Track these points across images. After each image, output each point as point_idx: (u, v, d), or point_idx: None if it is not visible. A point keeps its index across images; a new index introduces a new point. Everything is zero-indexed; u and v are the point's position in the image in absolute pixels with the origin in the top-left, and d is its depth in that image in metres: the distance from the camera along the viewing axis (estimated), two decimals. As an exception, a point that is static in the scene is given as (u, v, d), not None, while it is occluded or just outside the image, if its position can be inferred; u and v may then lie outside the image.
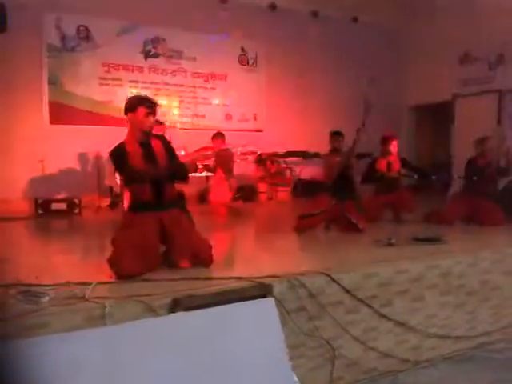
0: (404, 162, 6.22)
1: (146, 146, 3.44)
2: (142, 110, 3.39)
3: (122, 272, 3.09)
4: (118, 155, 3.39)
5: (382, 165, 6.02)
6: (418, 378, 3.50)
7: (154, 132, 3.57)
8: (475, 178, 5.70)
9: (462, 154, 9.38)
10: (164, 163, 3.44)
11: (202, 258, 3.42)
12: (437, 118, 10.63)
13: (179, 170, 3.53)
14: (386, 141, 6.12)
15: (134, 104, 3.44)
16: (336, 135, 5.40)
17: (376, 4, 10.12)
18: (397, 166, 6.05)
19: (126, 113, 3.48)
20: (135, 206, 3.47)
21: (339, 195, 5.09)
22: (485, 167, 5.80)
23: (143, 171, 3.33)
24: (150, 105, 3.43)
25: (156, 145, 3.49)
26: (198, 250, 3.42)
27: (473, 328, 3.99)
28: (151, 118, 3.43)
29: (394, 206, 6.02)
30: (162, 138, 3.64)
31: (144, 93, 8.51)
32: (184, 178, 3.64)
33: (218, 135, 7.15)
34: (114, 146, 3.47)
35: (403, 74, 10.93)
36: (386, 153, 6.06)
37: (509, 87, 9.08)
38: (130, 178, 3.45)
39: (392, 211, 6.05)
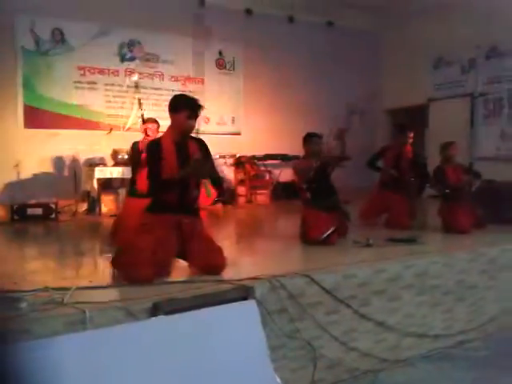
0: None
1: (181, 147, 3.33)
2: (184, 113, 3.28)
3: (137, 277, 3.01)
4: (153, 150, 3.30)
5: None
6: (398, 377, 3.54)
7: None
8: (447, 191, 5.43)
9: (436, 157, 9.64)
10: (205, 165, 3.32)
11: (216, 265, 3.36)
12: (412, 121, 10.80)
13: (213, 175, 3.48)
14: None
15: (177, 105, 3.32)
16: (315, 138, 4.94)
17: (351, 8, 10.28)
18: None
19: (169, 110, 3.36)
20: (156, 207, 3.34)
21: (326, 203, 4.75)
22: (454, 175, 5.53)
23: (175, 172, 3.23)
24: (193, 108, 3.32)
25: (192, 147, 3.38)
26: (212, 257, 3.36)
27: (450, 327, 4.05)
28: (193, 122, 3.34)
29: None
30: (199, 141, 3.51)
31: (120, 97, 8.50)
32: (220, 183, 3.57)
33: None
34: (151, 141, 3.44)
35: (379, 77, 11.10)
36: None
37: (480, 91, 9.31)
38: (156, 177, 3.30)
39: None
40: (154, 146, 3.35)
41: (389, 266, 3.70)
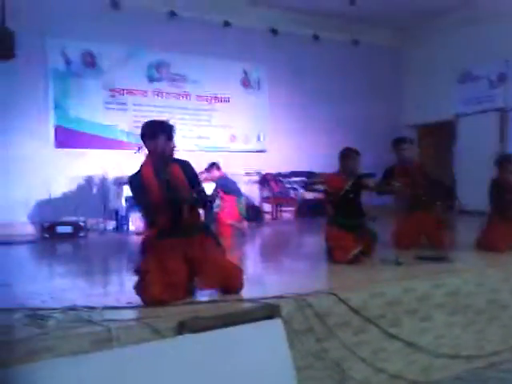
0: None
1: (163, 172, 3.29)
2: (163, 137, 3.29)
3: (152, 298, 3.01)
4: (135, 185, 3.33)
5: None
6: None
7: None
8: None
9: (465, 173, 9.46)
10: (183, 189, 3.28)
11: (231, 285, 3.31)
12: (439, 137, 10.67)
13: (199, 196, 3.36)
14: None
15: (155, 131, 3.30)
16: (353, 153, 4.71)
17: (375, 26, 10.30)
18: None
19: (144, 139, 3.34)
20: (157, 234, 3.33)
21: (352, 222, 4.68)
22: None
23: (158, 200, 3.23)
24: (170, 131, 3.35)
25: (176, 170, 3.34)
26: (226, 277, 3.30)
27: (482, 347, 3.93)
28: (171, 144, 3.34)
29: None
30: (184, 162, 3.46)
31: (148, 116, 8.64)
32: (204, 204, 3.55)
33: (213, 165, 7.11)
34: (131, 175, 3.41)
35: (404, 94, 11.03)
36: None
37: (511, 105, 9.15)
38: (145, 207, 3.39)
39: None
40: (134, 178, 3.34)
41: (418, 285, 3.63)
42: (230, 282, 3.30)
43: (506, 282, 4.09)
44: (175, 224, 3.26)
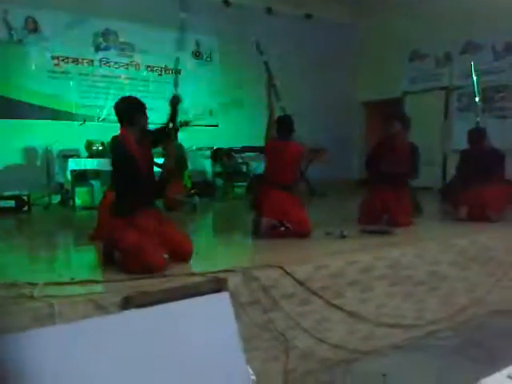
0: None
1: (146, 144, 3.50)
2: (144, 113, 3.49)
3: (156, 266, 3.12)
4: (120, 155, 3.41)
5: None
6: (370, 367, 3.58)
7: None
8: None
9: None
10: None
11: (182, 252, 3.47)
12: (387, 113, 10.89)
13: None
14: None
15: (141, 107, 3.49)
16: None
17: (329, 1, 10.30)
18: None
19: (130, 113, 3.46)
20: (132, 206, 3.41)
21: None
22: None
23: (143, 170, 3.39)
24: (144, 107, 3.52)
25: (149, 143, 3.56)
26: (176, 245, 3.46)
27: (421, 317, 4.12)
28: (146, 117, 3.53)
29: None
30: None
31: (95, 86, 8.37)
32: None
33: None
34: (113, 145, 3.50)
35: (356, 70, 11.15)
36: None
37: (455, 84, 9.43)
38: (127, 177, 3.41)
39: None
40: (118, 148, 3.45)
41: (361, 257, 3.75)
42: (180, 250, 3.44)
43: (443, 254, 4.27)
44: (153, 195, 3.49)
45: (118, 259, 3.30)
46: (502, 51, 8.85)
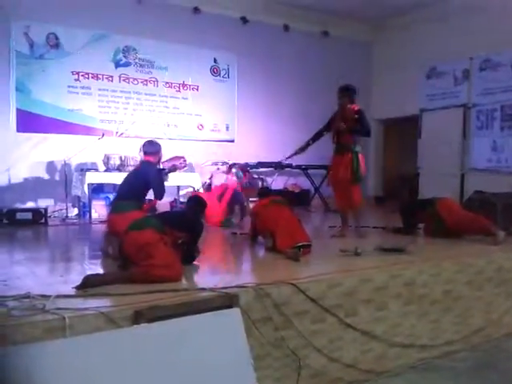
0: None
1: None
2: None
3: (179, 275, 3.35)
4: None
5: None
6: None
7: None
8: None
9: (427, 167, 9.68)
10: None
11: None
12: (404, 131, 10.87)
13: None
14: None
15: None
16: None
17: (346, 19, 10.36)
18: None
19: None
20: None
21: None
22: None
23: None
24: None
25: None
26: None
27: (436, 337, 4.05)
28: None
29: None
30: None
31: (114, 102, 8.51)
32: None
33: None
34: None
35: (372, 87, 11.15)
36: None
37: (474, 102, 9.36)
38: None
39: None
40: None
41: (375, 275, 3.70)
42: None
43: (459, 273, 4.20)
44: None
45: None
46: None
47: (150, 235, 3.47)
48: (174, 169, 6.33)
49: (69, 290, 2.99)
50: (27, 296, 2.76)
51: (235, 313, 2.94)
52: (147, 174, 4.87)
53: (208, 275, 3.89)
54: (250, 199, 9.14)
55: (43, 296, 2.75)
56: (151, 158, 5.07)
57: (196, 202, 4.34)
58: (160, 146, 5.22)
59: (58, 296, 2.75)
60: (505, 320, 4.46)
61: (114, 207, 4.79)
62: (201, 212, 4.25)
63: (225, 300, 2.99)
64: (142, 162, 5.24)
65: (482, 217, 5.29)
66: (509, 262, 4.61)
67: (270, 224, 4.56)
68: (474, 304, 4.30)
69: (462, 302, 4.24)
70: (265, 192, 5.59)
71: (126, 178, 5.04)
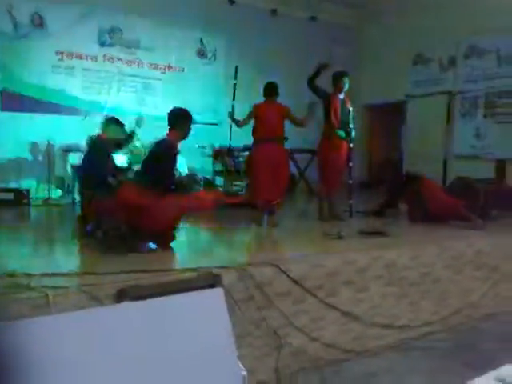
0: None
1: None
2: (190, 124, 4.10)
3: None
4: (171, 156, 3.94)
5: None
6: (362, 367, 3.60)
7: None
8: None
9: (412, 152, 9.77)
10: None
11: None
12: (389, 117, 10.91)
13: None
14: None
15: (187, 118, 4.08)
16: None
17: (333, 4, 10.33)
18: None
19: (183, 121, 4.05)
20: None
21: None
22: None
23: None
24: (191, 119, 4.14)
25: None
26: None
27: (416, 318, 4.13)
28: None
29: None
30: None
31: (98, 82, 8.40)
32: None
33: None
34: (166, 145, 3.92)
35: (359, 72, 11.15)
36: None
37: (458, 89, 9.43)
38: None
39: None
40: (171, 149, 3.93)
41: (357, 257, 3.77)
42: None
43: (438, 256, 4.29)
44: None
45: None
46: (506, 56, 8.82)
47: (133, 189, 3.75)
48: None
49: (53, 268, 3.00)
50: (12, 274, 2.76)
51: (218, 292, 2.98)
52: None
53: (192, 255, 3.92)
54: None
55: (28, 274, 2.76)
56: None
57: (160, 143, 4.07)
58: None
59: (43, 274, 2.76)
60: (483, 302, 4.57)
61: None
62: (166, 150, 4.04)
63: (208, 280, 3.02)
64: None
65: (462, 206, 5.38)
66: (487, 246, 4.70)
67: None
68: (452, 286, 4.39)
69: (441, 284, 4.33)
70: None
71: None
